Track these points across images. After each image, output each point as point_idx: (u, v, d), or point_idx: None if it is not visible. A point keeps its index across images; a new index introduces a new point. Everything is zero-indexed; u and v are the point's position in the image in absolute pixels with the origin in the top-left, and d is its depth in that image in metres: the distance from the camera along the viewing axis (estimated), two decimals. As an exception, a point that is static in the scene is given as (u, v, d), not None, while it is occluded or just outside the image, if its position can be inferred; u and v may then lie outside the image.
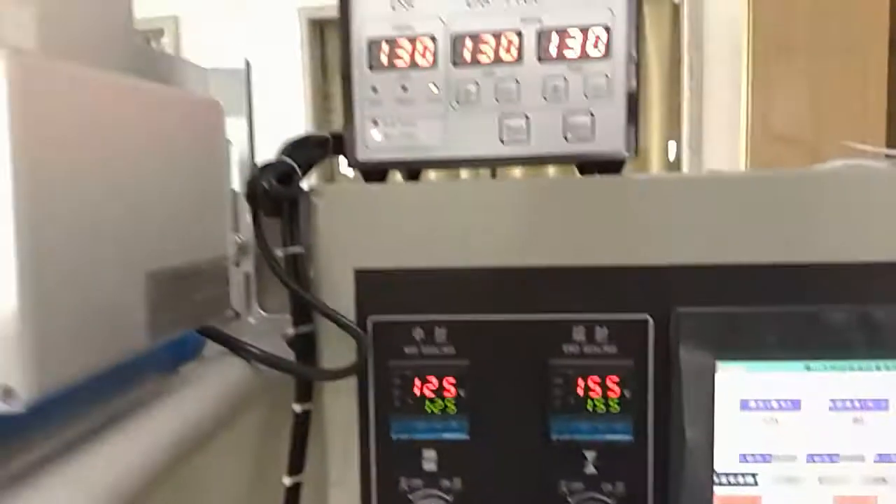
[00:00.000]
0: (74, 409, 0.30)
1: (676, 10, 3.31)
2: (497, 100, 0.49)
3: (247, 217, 0.52)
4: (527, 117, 0.49)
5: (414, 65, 0.50)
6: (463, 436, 0.51)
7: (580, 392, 0.49)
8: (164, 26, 3.68)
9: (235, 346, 0.43)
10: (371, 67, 0.50)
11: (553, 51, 0.48)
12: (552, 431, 0.50)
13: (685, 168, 3.33)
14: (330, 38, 3.50)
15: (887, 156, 0.61)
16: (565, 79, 0.49)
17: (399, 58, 0.49)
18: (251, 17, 3.45)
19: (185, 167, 0.34)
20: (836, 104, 3.16)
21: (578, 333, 0.50)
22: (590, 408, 0.49)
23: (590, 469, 0.50)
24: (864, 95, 3.18)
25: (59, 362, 0.25)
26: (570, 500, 0.51)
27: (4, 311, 0.23)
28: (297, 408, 0.52)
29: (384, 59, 0.50)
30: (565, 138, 0.49)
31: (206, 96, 0.39)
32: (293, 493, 0.52)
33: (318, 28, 3.46)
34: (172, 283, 0.32)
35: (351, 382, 0.52)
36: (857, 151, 0.76)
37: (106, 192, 0.28)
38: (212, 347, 0.46)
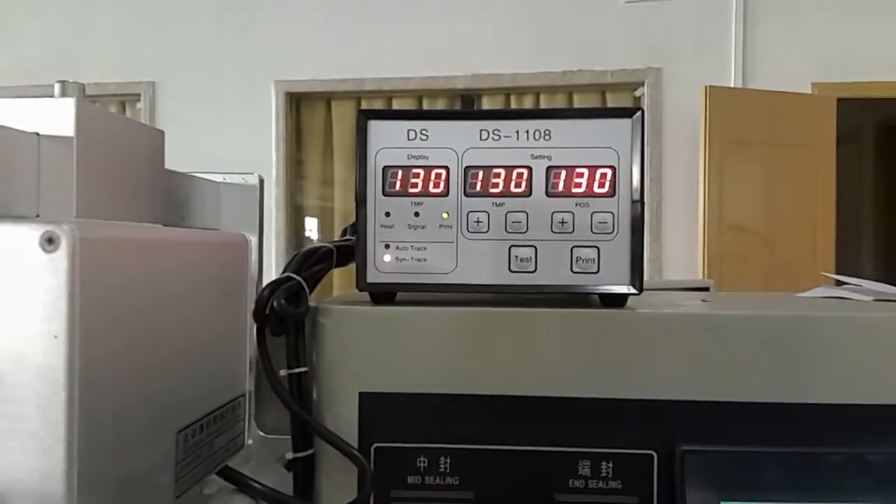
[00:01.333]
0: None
1: (637, 103, 3.46)
2: (506, 230, 0.50)
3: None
4: (535, 248, 0.50)
5: (427, 192, 0.51)
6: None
7: (585, 527, 0.49)
8: (141, 91, 3.69)
9: (243, 484, 0.41)
10: (385, 193, 0.51)
11: (561, 186, 0.50)
12: (557, 567, 0.49)
13: (646, 254, 3.41)
14: (304, 109, 3.55)
15: (873, 291, 0.64)
16: (573, 213, 0.50)
17: (413, 185, 0.51)
18: (226, 87, 3.49)
19: (216, 310, 0.34)
20: (788, 195, 3.31)
21: (584, 468, 0.49)
22: (595, 543, 0.49)
23: None
24: (815, 187, 3.34)
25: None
26: None
27: (53, 497, 0.22)
28: None
29: (398, 185, 0.51)
30: (572, 270, 0.50)
31: (235, 235, 0.39)
32: None
33: (294, 100, 3.51)
34: (197, 436, 0.32)
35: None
36: (832, 280, 0.79)
37: (148, 354, 0.27)
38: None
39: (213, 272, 0.34)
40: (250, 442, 0.53)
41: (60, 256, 0.22)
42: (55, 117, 0.29)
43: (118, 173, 0.31)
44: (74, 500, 0.22)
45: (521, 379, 0.50)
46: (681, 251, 3.38)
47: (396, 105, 3.39)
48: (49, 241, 0.22)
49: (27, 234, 0.22)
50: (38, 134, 0.29)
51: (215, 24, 3.57)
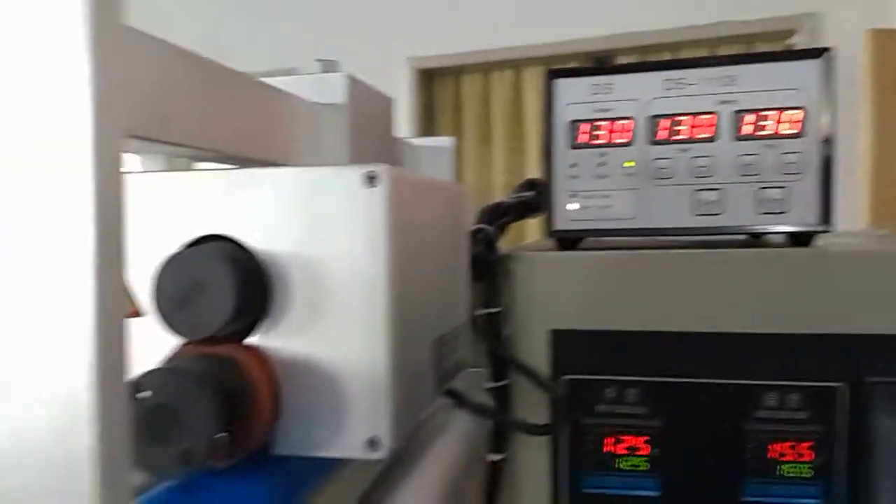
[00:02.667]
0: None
1: (789, 52, 3.24)
2: (691, 175, 0.52)
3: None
4: (720, 191, 0.52)
5: (612, 143, 0.54)
6: (654, 493, 0.53)
7: (772, 457, 0.51)
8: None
9: (464, 400, 0.47)
10: (571, 146, 0.54)
11: (748, 129, 0.51)
12: (743, 494, 0.51)
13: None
14: (436, 86, 3.62)
15: None
16: (759, 155, 0.51)
17: (598, 137, 0.54)
18: (359, 64, 3.61)
19: (452, 245, 0.39)
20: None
21: (771, 400, 0.51)
22: (781, 473, 0.51)
23: (781, 534, 0.51)
24: None
25: (403, 417, 0.30)
26: (759, 562, 0.52)
27: (378, 376, 0.28)
28: (493, 457, 0.55)
29: (584, 138, 0.54)
30: (757, 212, 0.52)
31: (457, 184, 0.45)
32: (486, 538, 0.56)
33: (425, 77, 3.58)
34: (445, 347, 0.37)
35: (540, 438, 0.55)
36: None
37: (420, 272, 0.33)
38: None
39: (452, 212, 0.39)
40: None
41: (380, 191, 0.27)
42: (328, 89, 0.36)
43: (373, 134, 0.36)
44: (391, 374, 0.28)
45: (707, 316, 0.52)
46: (840, 204, 3.16)
47: (527, 75, 3.38)
48: (370, 179, 0.28)
49: (352, 174, 0.28)
50: (317, 103, 0.35)
51: (347, 2, 3.69)
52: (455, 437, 0.42)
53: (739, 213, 0.52)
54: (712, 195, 0.52)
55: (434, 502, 0.34)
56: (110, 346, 0.19)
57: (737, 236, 0.55)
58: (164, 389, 0.26)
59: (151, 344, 0.29)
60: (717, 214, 0.52)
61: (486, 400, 0.54)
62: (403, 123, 3.60)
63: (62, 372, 0.18)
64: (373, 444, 0.29)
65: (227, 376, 0.28)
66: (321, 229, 0.29)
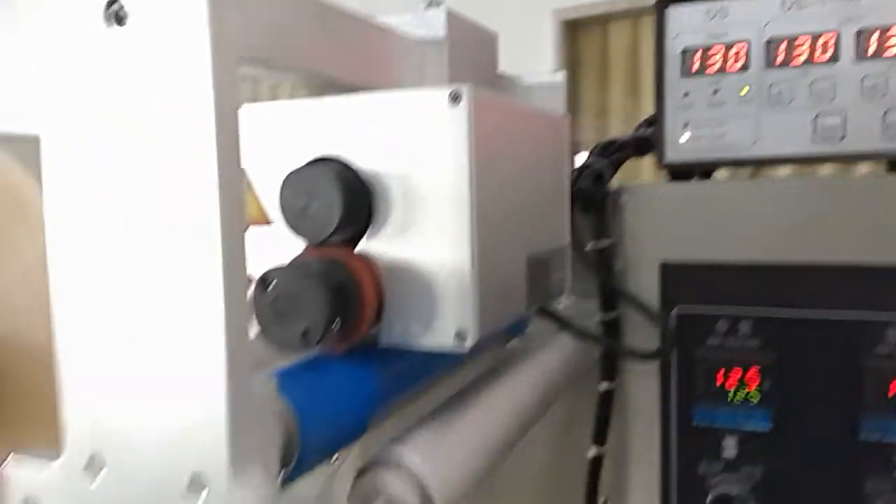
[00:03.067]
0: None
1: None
2: (811, 99, 0.50)
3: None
4: (842, 116, 0.50)
5: (725, 69, 0.52)
6: (766, 426, 0.52)
7: (892, 395, 0.49)
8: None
9: (566, 323, 0.49)
10: (683, 74, 0.54)
11: (872, 49, 0.49)
12: (861, 430, 0.50)
13: None
14: (581, 37, 3.52)
15: None
16: (885, 76, 0.48)
17: (711, 64, 0.53)
18: (502, 16, 3.58)
19: (550, 172, 0.41)
20: None
21: (893, 335, 0.49)
22: (906, 409, 0.49)
23: (903, 473, 0.49)
24: None
25: (488, 316, 0.33)
26: (877, 500, 0.50)
27: (462, 273, 0.31)
28: (603, 386, 0.57)
29: (696, 66, 0.53)
30: (883, 137, 0.49)
31: (560, 114, 0.46)
32: (596, 464, 0.58)
33: (570, 29, 3.49)
34: (540, 266, 0.40)
35: (653, 367, 0.56)
36: None
37: (510, 190, 0.35)
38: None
39: (550, 139, 0.41)
40: (563, 306, 0.61)
41: (463, 107, 0.30)
42: (428, 24, 0.39)
43: (474, 68, 0.39)
44: (475, 275, 0.31)
45: (824, 246, 0.50)
46: None
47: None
48: (454, 98, 0.30)
49: (438, 94, 0.31)
50: (419, 39, 0.38)
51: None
52: (551, 354, 0.44)
53: (863, 139, 0.49)
54: (834, 120, 0.50)
55: (520, 403, 0.37)
56: (232, 251, 0.23)
57: (860, 162, 0.52)
58: (288, 281, 0.31)
59: (280, 248, 0.34)
60: (839, 140, 0.50)
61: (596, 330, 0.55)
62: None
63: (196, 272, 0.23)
64: (460, 335, 0.32)
65: (339, 274, 0.32)
66: (414, 146, 0.32)
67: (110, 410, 0.25)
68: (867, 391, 0.50)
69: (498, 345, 0.50)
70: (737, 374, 0.53)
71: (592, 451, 0.58)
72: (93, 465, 0.25)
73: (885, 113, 0.49)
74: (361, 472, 0.29)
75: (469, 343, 0.32)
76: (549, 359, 0.45)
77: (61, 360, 0.26)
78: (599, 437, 0.58)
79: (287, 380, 0.29)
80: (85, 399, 0.25)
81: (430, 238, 0.32)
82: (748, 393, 0.53)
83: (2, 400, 0.46)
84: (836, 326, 0.50)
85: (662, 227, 0.55)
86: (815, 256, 0.50)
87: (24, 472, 0.28)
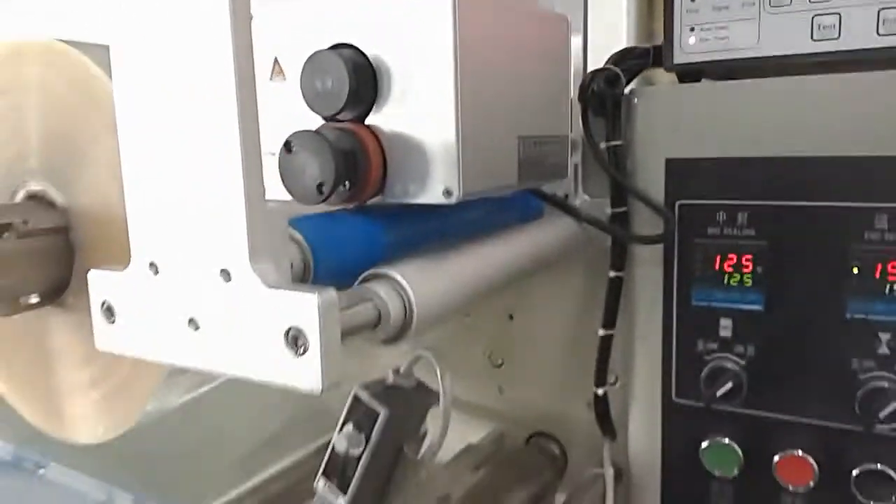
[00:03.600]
0: (469, 223, 0.46)
1: None
2: (808, 1, 0.53)
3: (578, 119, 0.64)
4: (839, 14, 0.52)
5: (730, -26, 0.56)
6: (759, 307, 0.57)
7: (878, 276, 0.53)
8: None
9: (568, 208, 0.55)
10: (690, -20, 0.57)
11: (871, -53, 0.51)
12: (847, 310, 0.54)
13: None
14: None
15: None
16: (884, -27, 0.51)
17: (716, -31, 0.56)
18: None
19: (545, 65, 0.47)
20: None
21: (881, 221, 0.52)
22: (887, 291, 0.52)
23: (883, 350, 0.53)
24: None
25: (472, 179, 0.39)
26: (860, 377, 0.54)
27: (449, 142, 0.38)
28: (612, 273, 0.63)
29: (702, -28, 0.56)
30: (878, 33, 0.51)
31: (558, 14, 0.51)
32: (606, 342, 0.65)
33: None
34: (532, 147, 0.46)
35: (658, 256, 0.61)
36: None
37: (499, 77, 0.41)
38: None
39: (550, 37, 0.46)
40: (578, 202, 0.67)
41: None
42: None
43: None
44: (459, 143, 0.38)
45: (815, 140, 0.54)
46: None
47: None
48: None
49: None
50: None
51: None
52: (548, 230, 0.51)
53: (860, 36, 0.52)
54: (831, 19, 0.53)
55: (505, 258, 0.44)
56: (246, 111, 0.30)
57: (856, 60, 0.55)
58: (306, 143, 0.38)
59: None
60: (835, 38, 0.53)
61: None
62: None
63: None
64: (447, 192, 0.39)
65: (348, 140, 0.39)
66: (410, 32, 0.38)
67: (163, 228, 0.33)
68: (853, 273, 0.53)
69: (508, 219, 0.57)
70: (732, 259, 0.58)
71: (602, 332, 0.64)
72: (152, 268, 0.34)
73: (880, 11, 0.51)
74: (360, 282, 0.37)
75: (455, 199, 0.39)
76: (544, 233, 0.51)
77: (128, 197, 0.35)
78: (609, 320, 0.64)
79: (301, 220, 0.37)
80: (145, 222, 0.34)
81: (423, 112, 0.39)
82: (743, 276, 0.57)
83: (105, 260, 0.56)
84: (825, 214, 0.54)
85: (670, 126, 0.59)
86: (807, 151, 0.54)
87: (100, 281, 0.37)
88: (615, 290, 0.63)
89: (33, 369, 0.64)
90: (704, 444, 0.61)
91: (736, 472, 0.59)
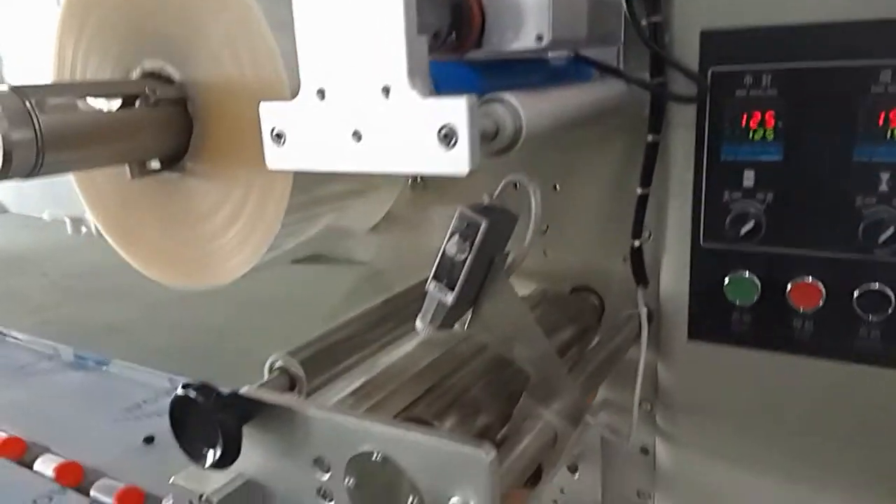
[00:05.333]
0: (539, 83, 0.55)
1: None
2: None
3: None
4: None
5: None
6: (778, 158, 0.67)
7: (881, 123, 0.62)
8: None
9: (617, 71, 0.64)
10: None
11: None
12: (854, 154, 0.64)
13: None
14: None
15: None
16: None
17: None
18: None
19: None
20: None
21: (885, 76, 0.62)
22: (888, 136, 0.62)
23: (883, 187, 0.64)
24: None
25: (558, 28, 0.48)
26: (863, 212, 0.65)
27: None
28: (650, 138, 0.73)
29: None
30: None
31: None
32: (643, 200, 0.75)
33: None
34: (597, 11, 0.55)
35: (691, 119, 0.71)
36: None
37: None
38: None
39: None
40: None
41: None
42: None
43: None
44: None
45: (831, 6, 0.62)
46: None
47: None
48: None
49: None
50: None
51: None
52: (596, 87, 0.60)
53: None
54: None
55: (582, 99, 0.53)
56: None
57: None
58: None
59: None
60: (852, -84, 0.61)
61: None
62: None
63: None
64: (539, 38, 0.48)
65: (455, -1, 0.48)
66: None
67: (331, 58, 0.43)
68: (860, 122, 0.63)
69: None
70: (757, 117, 0.67)
71: (640, 191, 0.75)
72: (320, 95, 0.44)
73: None
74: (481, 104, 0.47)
75: (545, 42, 0.48)
76: (599, 90, 0.61)
77: (299, 35, 0.44)
78: (646, 180, 0.74)
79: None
80: (315, 55, 0.43)
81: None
82: (765, 131, 0.67)
83: (221, 128, 0.65)
84: (837, 72, 0.63)
85: (705, 2, 0.68)
86: (821, 17, 0.63)
87: (271, 111, 0.46)
88: (652, 153, 0.73)
89: (154, 231, 0.74)
90: (727, 280, 0.72)
91: (755, 299, 0.71)
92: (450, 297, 0.53)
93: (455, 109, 0.39)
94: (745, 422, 0.77)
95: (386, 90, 0.41)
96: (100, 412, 2.31)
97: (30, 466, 2.10)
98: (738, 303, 0.72)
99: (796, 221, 0.68)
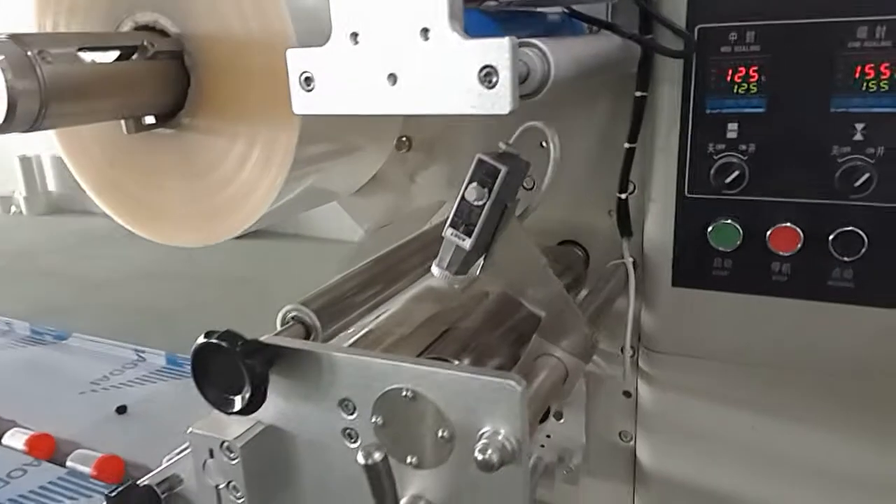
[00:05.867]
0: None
1: None
2: None
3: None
4: None
5: None
6: (761, 110, 0.71)
7: (857, 76, 0.67)
8: None
9: (611, 25, 0.67)
10: None
11: None
12: (831, 105, 0.68)
13: None
14: None
15: None
16: None
17: None
18: None
19: None
20: None
21: (861, 32, 0.66)
22: (863, 88, 0.67)
23: (858, 136, 0.68)
24: None
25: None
26: (839, 160, 0.69)
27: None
28: (637, 94, 0.75)
29: None
30: None
31: None
32: (630, 154, 0.78)
33: None
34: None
35: (677, 75, 0.74)
36: None
37: None
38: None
39: None
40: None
41: None
42: None
43: None
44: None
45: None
46: None
47: None
48: None
49: None
50: None
51: None
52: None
53: None
54: None
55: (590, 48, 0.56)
56: None
57: None
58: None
59: None
60: None
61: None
62: None
63: None
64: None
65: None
66: None
67: (365, 1, 0.43)
68: (838, 76, 0.67)
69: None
70: (742, 71, 0.71)
71: (627, 146, 0.78)
72: (353, 39, 0.45)
73: None
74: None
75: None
76: (598, 43, 0.63)
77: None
78: (633, 135, 0.77)
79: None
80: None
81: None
82: (749, 85, 0.71)
83: (220, 82, 0.65)
84: (816, 28, 0.67)
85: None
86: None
87: (299, 57, 0.47)
88: (639, 108, 0.76)
89: (144, 189, 0.73)
90: (711, 227, 0.76)
91: (737, 245, 0.75)
92: (467, 243, 0.55)
93: (498, 50, 0.40)
94: (724, 363, 0.82)
95: (424, 32, 0.42)
96: (64, 385, 2.25)
97: (-2, 442, 2.05)
98: (720, 249, 0.76)
99: (777, 170, 0.72)
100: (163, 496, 0.67)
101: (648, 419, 0.90)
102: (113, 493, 0.70)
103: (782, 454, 0.82)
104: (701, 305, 0.80)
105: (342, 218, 1.04)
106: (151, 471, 0.68)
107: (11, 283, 3.62)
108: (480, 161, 0.54)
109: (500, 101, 0.41)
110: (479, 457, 0.48)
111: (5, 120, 0.53)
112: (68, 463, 1.93)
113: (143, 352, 2.52)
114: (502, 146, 0.55)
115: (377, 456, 0.47)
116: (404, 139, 0.93)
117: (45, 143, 5.41)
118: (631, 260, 0.82)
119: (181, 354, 2.40)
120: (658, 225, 0.80)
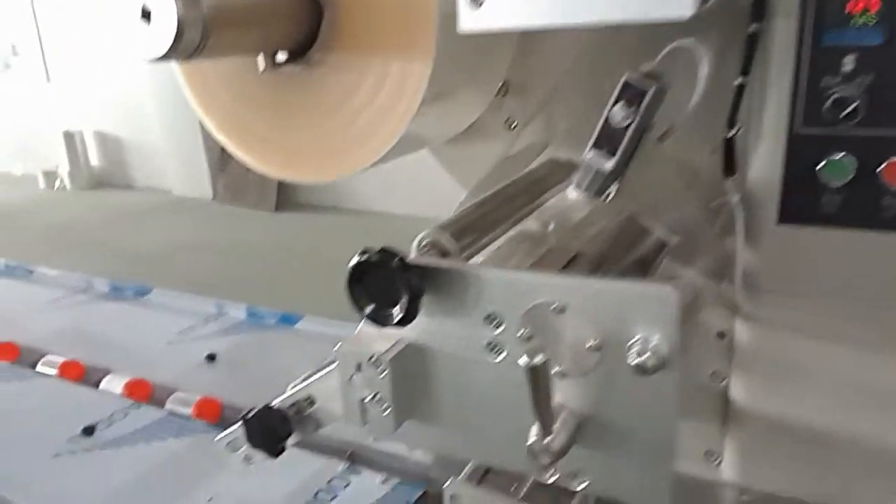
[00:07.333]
0: None
1: None
2: None
3: None
4: None
5: None
6: (878, 42, 0.71)
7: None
8: None
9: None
10: None
11: None
12: (955, 35, 0.68)
13: None
14: None
15: None
16: None
17: None
18: None
19: None
20: None
21: None
22: None
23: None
24: None
25: None
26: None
27: None
28: (751, 28, 0.76)
29: None
30: None
31: None
32: (741, 89, 0.79)
33: None
34: None
35: (792, 8, 0.74)
36: None
37: None
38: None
39: None
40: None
41: None
42: None
43: None
44: None
45: None
46: None
47: None
48: None
49: None
50: None
51: None
52: None
53: None
54: None
55: None
56: None
57: None
58: None
59: None
60: None
61: None
62: None
63: None
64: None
65: None
66: None
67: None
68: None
69: None
70: (861, 3, 0.71)
71: (740, 80, 0.78)
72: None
73: None
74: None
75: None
76: None
77: None
78: (745, 69, 0.78)
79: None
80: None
81: None
82: (867, 17, 0.71)
83: (352, 17, 0.67)
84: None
85: None
86: None
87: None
88: (752, 44, 0.77)
89: (272, 128, 0.76)
90: (823, 162, 0.76)
91: (849, 178, 0.75)
92: (610, 163, 0.57)
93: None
94: (827, 301, 0.83)
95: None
96: (152, 336, 2.33)
97: (94, 387, 2.13)
98: (830, 185, 0.77)
99: (893, 103, 0.72)
100: (293, 417, 0.71)
101: (745, 359, 0.91)
102: (249, 416, 0.74)
103: (884, 390, 0.83)
104: (807, 242, 0.81)
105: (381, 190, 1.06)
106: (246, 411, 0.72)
107: (66, 255, 3.72)
108: (627, 81, 0.55)
109: (683, 3, 0.43)
110: (636, 360, 0.50)
111: (171, 47, 0.56)
112: (168, 405, 2.02)
113: (223, 305, 2.62)
114: (645, 68, 0.57)
115: (540, 358, 0.50)
116: (502, 83, 0.95)
117: (88, 120, 5.54)
118: (738, 196, 0.83)
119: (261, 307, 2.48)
120: (765, 162, 0.81)
